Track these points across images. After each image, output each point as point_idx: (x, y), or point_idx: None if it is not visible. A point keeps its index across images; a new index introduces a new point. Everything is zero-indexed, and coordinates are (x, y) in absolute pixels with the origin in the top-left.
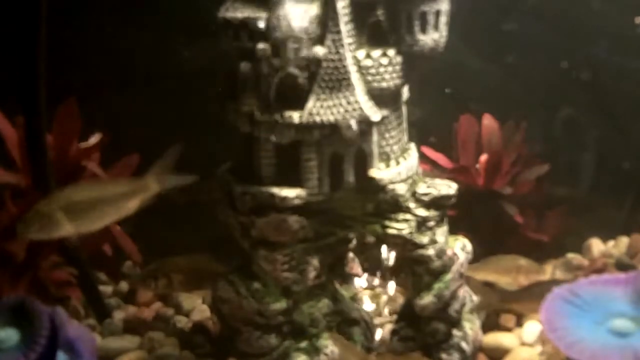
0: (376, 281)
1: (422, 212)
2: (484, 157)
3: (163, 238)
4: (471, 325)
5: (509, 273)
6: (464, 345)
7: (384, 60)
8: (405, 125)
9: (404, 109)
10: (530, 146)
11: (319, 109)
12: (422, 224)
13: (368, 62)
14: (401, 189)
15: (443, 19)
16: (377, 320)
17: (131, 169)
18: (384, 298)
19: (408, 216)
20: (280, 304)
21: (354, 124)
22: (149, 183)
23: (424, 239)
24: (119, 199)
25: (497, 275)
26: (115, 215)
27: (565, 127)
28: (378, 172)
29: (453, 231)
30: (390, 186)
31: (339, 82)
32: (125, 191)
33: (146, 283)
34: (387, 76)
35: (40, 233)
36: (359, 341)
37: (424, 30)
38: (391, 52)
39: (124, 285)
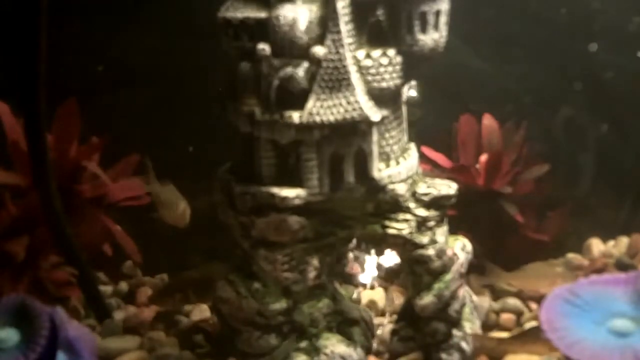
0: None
1: (422, 212)
2: (484, 157)
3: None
4: (471, 325)
5: (546, 279)
6: (464, 345)
7: (384, 60)
8: (405, 125)
9: (404, 109)
10: (530, 146)
11: (319, 109)
12: (422, 224)
13: (368, 62)
14: (401, 189)
15: (443, 19)
16: (376, 320)
17: (131, 169)
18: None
19: (408, 216)
20: (280, 304)
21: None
22: None
23: (424, 239)
24: None
25: (537, 282)
26: None
27: (566, 127)
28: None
29: (453, 231)
30: (390, 186)
31: (339, 82)
32: None
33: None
34: (387, 76)
35: None
36: (359, 341)
37: (424, 30)
38: (391, 52)
39: (124, 285)
